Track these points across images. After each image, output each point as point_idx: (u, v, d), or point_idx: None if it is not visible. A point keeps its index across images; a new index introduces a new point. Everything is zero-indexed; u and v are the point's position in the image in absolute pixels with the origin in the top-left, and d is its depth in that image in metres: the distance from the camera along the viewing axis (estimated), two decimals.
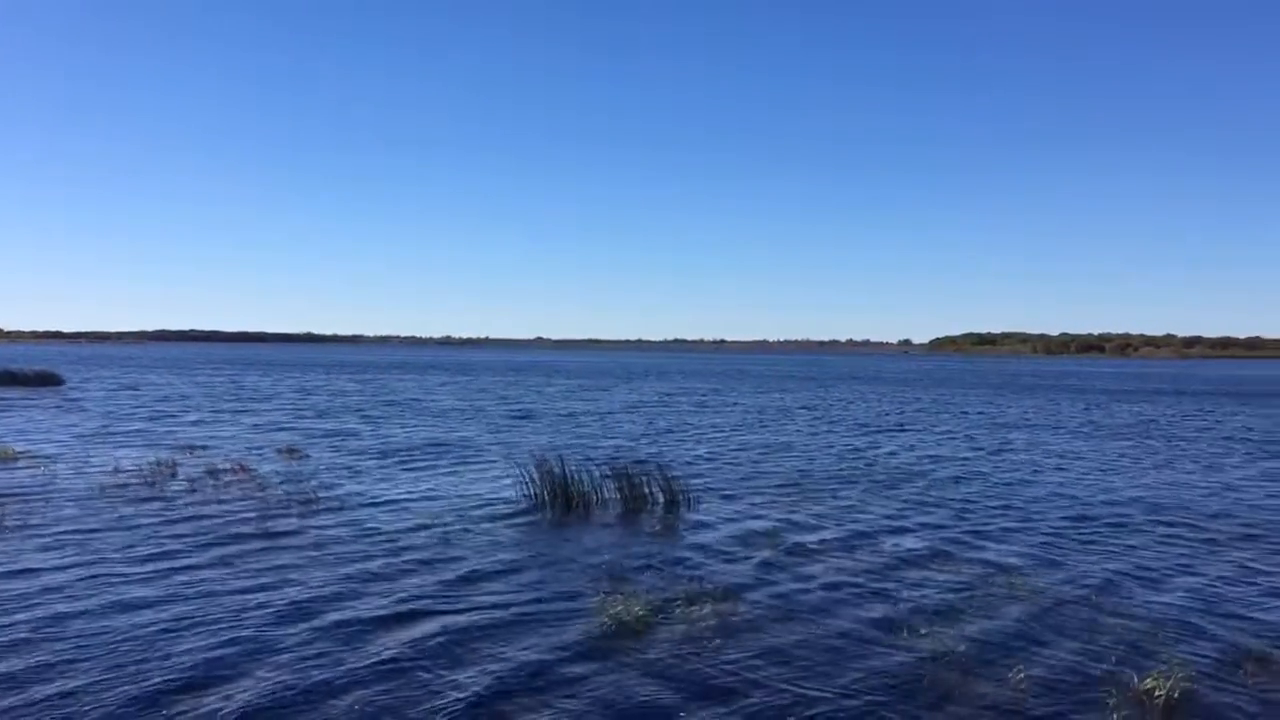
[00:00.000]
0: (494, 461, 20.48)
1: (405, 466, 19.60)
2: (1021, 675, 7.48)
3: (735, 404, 43.89)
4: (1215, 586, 10.56)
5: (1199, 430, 32.80)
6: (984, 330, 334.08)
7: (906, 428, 31.96)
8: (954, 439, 28.09)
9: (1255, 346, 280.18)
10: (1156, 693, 7.00)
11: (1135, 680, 7.28)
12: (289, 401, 40.28)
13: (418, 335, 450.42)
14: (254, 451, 21.48)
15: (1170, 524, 14.38)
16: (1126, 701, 7.01)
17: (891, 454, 23.54)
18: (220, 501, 14.80)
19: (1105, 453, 24.62)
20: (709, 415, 36.14)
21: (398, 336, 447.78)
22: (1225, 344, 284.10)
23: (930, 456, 23.10)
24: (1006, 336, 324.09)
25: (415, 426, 29.14)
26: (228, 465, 18.43)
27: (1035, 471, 20.51)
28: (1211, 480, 19.55)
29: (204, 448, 22.01)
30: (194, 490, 15.77)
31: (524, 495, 15.31)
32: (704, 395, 51.15)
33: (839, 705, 6.93)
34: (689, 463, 20.72)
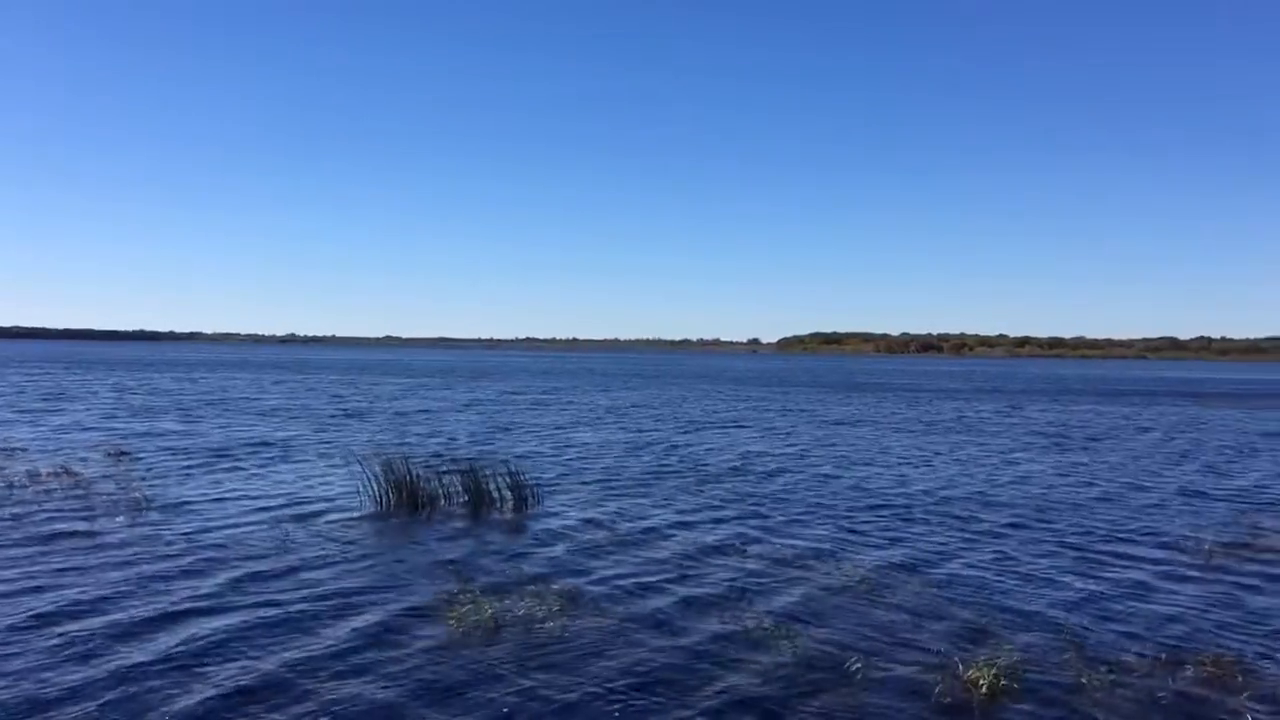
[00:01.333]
0: (332, 461, 19.89)
1: (236, 467, 18.83)
2: (857, 666, 7.67)
3: (575, 402, 43.84)
4: (1027, 575, 11.04)
5: (1009, 425, 34.52)
6: (830, 330, 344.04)
7: (740, 424, 32.53)
8: (781, 434, 28.71)
9: (1079, 347, 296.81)
10: (980, 681, 7.27)
11: (961, 669, 7.55)
12: (106, 401, 38.16)
13: (260, 333, 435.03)
14: (74, 453, 20.30)
15: (986, 513, 14.99)
16: (952, 690, 7.26)
17: (723, 450, 23.82)
18: (39, 505, 13.93)
19: (923, 447, 25.56)
20: (548, 413, 35.94)
21: (239, 334, 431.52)
22: (1054, 344, 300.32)
23: (761, 452, 23.55)
24: (851, 336, 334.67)
25: (243, 425, 28.04)
26: (49, 468, 17.38)
27: (857, 465, 21.15)
28: (1013, 472, 20.51)
29: (21, 450, 20.69)
30: (11, 494, 14.82)
31: (368, 495, 14.91)
32: (545, 394, 50.92)
33: (683, 704, 6.96)
34: (526, 459, 20.56)
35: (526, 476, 15.64)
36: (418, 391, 50.67)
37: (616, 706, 6.88)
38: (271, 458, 20.38)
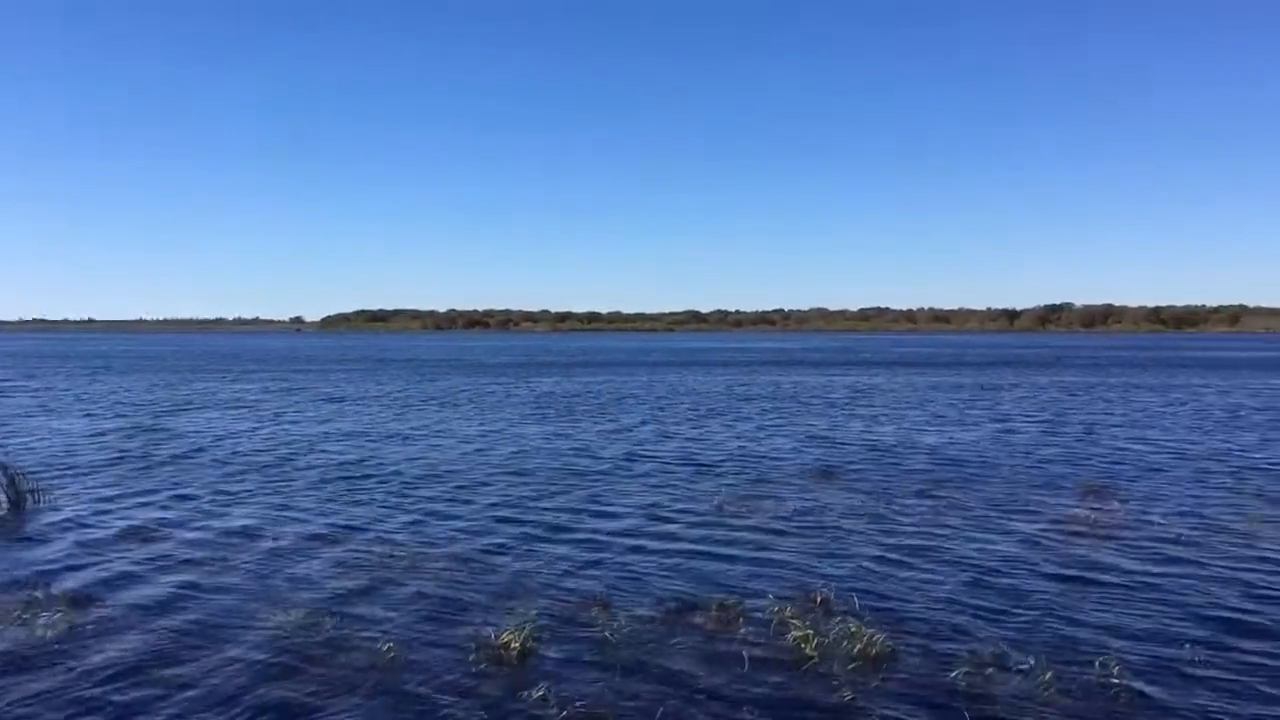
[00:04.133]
0: None
1: None
2: (389, 645, 7.58)
3: (72, 390, 39.55)
4: (549, 539, 11.56)
5: (522, 396, 35.76)
6: (378, 308, 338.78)
7: (251, 406, 31.22)
8: (288, 416, 27.71)
9: (615, 320, 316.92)
10: (513, 645, 7.48)
11: (493, 636, 7.72)
12: None
13: None
14: None
15: (499, 483, 15.52)
16: (487, 657, 7.41)
17: (223, 435, 22.56)
18: None
19: (437, 424, 25.50)
20: (33, 401, 32.36)
21: None
22: (592, 319, 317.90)
23: (266, 435, 22.66)
24: (399, 313, 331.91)
25: None
26: None
27: (365, 443, 20.95)
28: (519, 444, 21.12)
29: None
30: None
31: None
32: (32, 378, 45.59)
33: (197, 703, 6.48)
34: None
35: (21, 472, 13.87)
36: None
37: (118, 705, 6.29)
38: None
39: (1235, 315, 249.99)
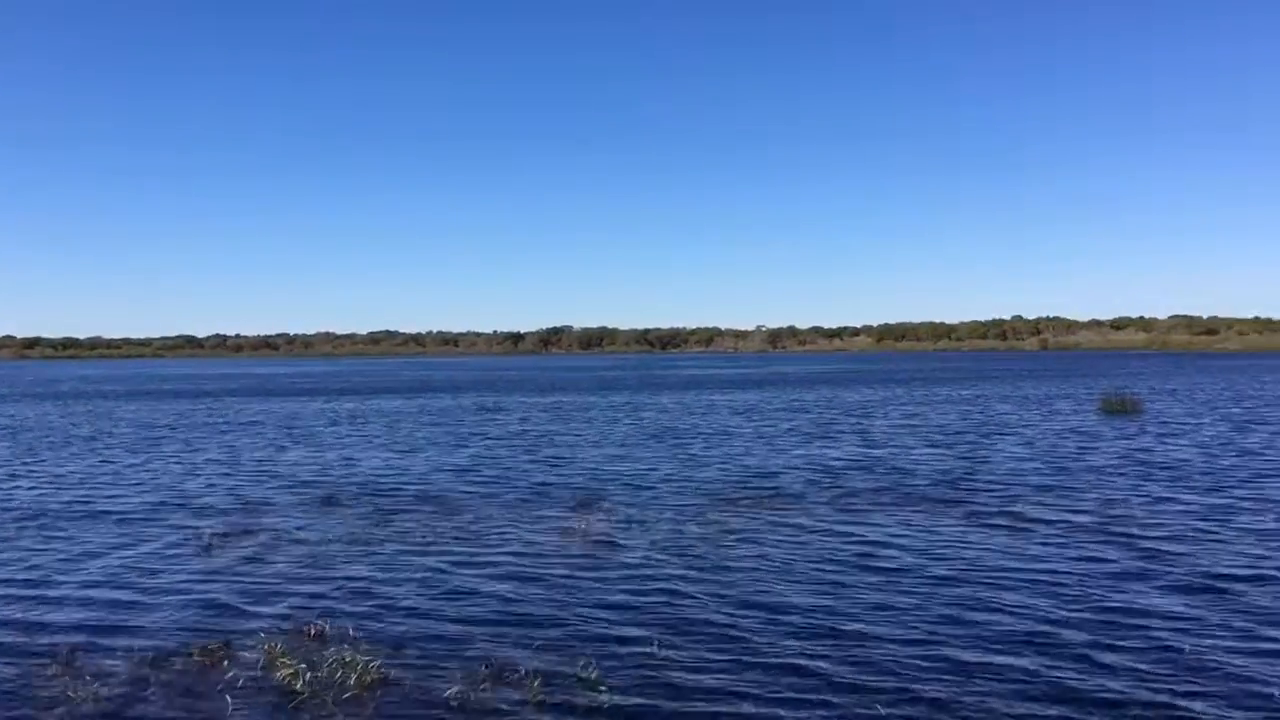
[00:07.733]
0: None
1: None
2: None
3: None
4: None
5: None
6: None
7: None
8: None
9: (96, 347, 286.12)
10: None
11: None
12: None
13: None
14: None
15: None
16: None
17: None
18: None
19: None
20: None
21: None
22: (69, 345, 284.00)
23: None
24: None
25: None
26: None
27: None
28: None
29: None
30: None
31: None
32: None
33: None
34: None
35: None
36: None
37: None
38: None
39: (709, 337, 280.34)
